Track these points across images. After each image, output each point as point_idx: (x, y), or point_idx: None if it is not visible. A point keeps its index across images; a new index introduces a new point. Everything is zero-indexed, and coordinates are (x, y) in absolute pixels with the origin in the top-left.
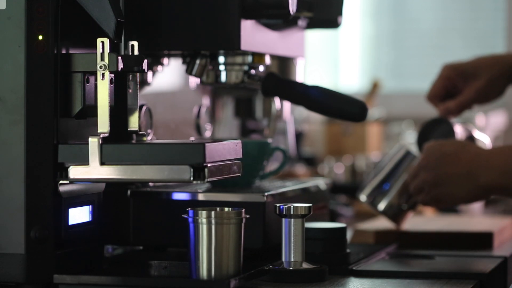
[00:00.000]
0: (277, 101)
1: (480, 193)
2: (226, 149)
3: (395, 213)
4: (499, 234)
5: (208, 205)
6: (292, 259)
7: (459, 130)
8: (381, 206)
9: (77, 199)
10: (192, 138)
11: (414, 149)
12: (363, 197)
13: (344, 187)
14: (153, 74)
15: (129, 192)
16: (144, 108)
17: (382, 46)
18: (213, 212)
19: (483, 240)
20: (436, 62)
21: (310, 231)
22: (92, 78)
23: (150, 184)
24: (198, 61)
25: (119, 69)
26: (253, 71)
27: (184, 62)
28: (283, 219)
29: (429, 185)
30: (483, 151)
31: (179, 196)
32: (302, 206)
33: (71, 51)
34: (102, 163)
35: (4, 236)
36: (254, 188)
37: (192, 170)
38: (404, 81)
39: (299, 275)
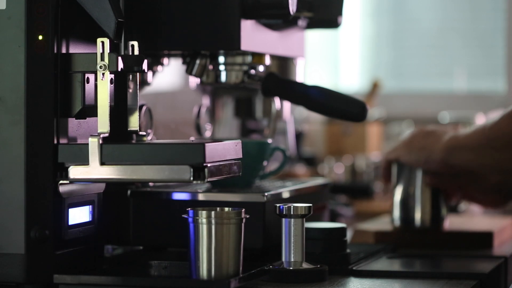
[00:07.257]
0: (277, 101)
1: None
2: (226, 149)
3: (433, 222)
4: (499, 234)
5: (208, 205)
6: (292, 259)
7: None
8: (417, 223)
9: (77, 199)
10: (192, 138)
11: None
12: (397, 224)
13: (344, 187)
14: (153, 74)
15: (129, 192)
16: (144, 108)
17: (382, 46)
18: (213, 212)
19: (483, 240)
20: (436, 62)
21: (310, 231)
22: (92, 78)
23: (150, 184)
24: (198, 61)
25: (119, 69)
26: (253, 71)
27: (184, 62)
28: (283, 219)
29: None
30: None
31: (179, 196)
32: (302, 206)
33: (71, 51)
34: (102, 163)
35: (4, 236)
36: (254, 188)
37: (192, 170)
38: (404, 81)
39: (299, 275)
